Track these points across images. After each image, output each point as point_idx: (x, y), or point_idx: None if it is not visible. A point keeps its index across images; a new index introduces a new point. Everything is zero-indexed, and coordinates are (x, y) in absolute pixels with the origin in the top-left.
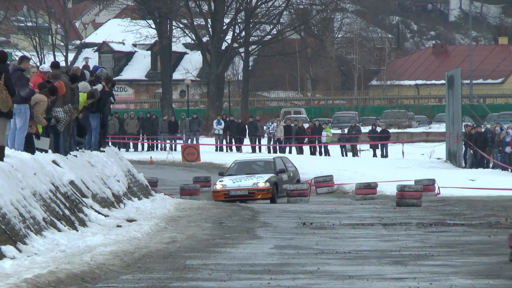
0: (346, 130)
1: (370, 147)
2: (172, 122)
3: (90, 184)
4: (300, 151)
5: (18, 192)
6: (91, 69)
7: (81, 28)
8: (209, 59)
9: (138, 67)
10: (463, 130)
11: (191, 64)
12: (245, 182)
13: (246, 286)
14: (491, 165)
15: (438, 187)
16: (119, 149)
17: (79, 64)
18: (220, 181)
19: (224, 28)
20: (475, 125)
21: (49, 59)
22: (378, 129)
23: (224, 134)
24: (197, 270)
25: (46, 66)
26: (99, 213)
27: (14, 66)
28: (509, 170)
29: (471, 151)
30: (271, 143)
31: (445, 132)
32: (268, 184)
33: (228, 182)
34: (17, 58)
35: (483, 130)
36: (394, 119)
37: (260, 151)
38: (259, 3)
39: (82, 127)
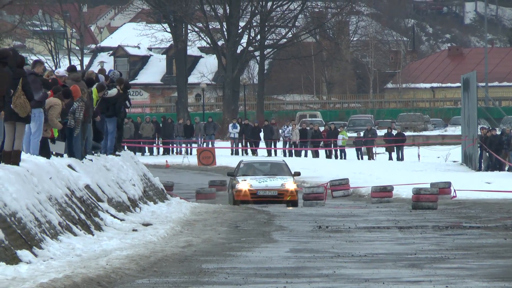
0: (361, 133)
1: (386, 150)
2: (188, 125)
3: (105, 188)
4: (315, 155)
5: (34, 197)
6: (106, 73)
7: (96, 32)
8: (224, 63)
9: (154, 71)
10: (479, 133)
11: (207, 68)
12: (272, 182)
13: None
14: (506, 168)
15: (454, 190)
16: (135, 153)
17: (95, 68)
18: (243, 180)
19: (239, 31)
20: (490, 128)
21: (64, 63)
22: (394, 132)
23: (239, 137)
24: (213, 274)
25: (61, 70)
26: (114, 217)
27: (27, 70)
28: None
29: (487, 154)
30: (287, 146)
31: (461, 135)
32: (295, 186)
33: (253, 182)
34: (31, 62)
35: (498, 132)
36: (409, 122)
37: (276, 154)
38: (274, 6)
39: (99, 132)
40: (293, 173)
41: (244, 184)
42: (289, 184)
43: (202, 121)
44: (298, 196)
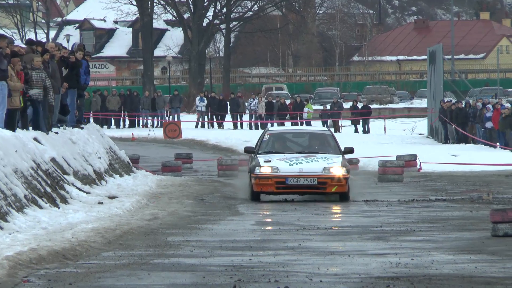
0: (327, 106)
1: (352, 123)
2: (154, 99)
3: (71, 161)
4: None
5: None
6: (70, 46)
7: (62, 6)
8: (190, 36)
9: (120, 44)
10: (440, 106)
11: (173, 41)
12: (310, 165)
13: (227, 263)
14: (471, 141)
15: (420, 163)
16: (101, 126)
17: (61, 41)
18: (265, 161)
19: (205, 4)
20: (453, 101)
21: (30, 36)
22: (360, 105)
23: (206, 111)
24: (178, 247)
25: (19, 43)
26: (80, 190)
27: None
28: (497, 146)
29: (453, 127)
30: (253, 119)
31: (427, 107)
32: (345, 170)
33: (281, 164)
34: None
35: (463, 105)
36: (375, 95)
37: (241, 127)
38: None
39: (64, 105)
40: (343, 149)
41: (267, 167)
42: (336, 168)
43: (168, 94)
44: (348, 184)
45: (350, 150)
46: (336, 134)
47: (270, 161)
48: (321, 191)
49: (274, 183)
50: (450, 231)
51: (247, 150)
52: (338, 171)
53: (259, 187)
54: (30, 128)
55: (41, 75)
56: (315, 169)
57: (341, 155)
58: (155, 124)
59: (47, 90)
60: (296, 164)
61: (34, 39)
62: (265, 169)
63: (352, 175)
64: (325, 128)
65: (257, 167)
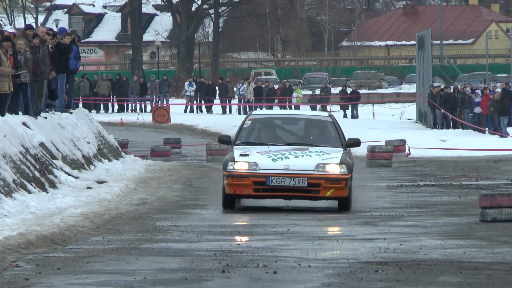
0: (316, 91)
1: (341, 108)
2: (142, 83)
3: (60, 146)
4: None
5: None
6: (58, 31)
7: None
8: (179, 21)
9: (108, 29)
10: (429, 92)
11: (161, 26)
12: (299, 160)
13: (216, 248)
14: (460, 126)
15: (409, 148)
16: (90, 111)
17: (50, 26)
18: (242, 154)
19: None
20: (441, 86)
21: (19, 21)
22: (349, 90)
23: (195, 95)
24: (167, 232)
25: (9, 28)
26: (69, 174)
27: None
28: (486, 131)
29: (442, 111)
30: (242, 103)
31: (416, 93)
32: (344, 168)
33: (261, 159)
34: None
35: (452, 91)
36: (364, 80)
37: (230, 112)
38: None
39: (53, 90)
40: (346, 140)
41: (243, 162)
42: (333, 165)
43: (157, 79)
44: (349, 187)
45: (355, 143)
46: None
47: (247, 154)
48: (313, 195)
49: (251, 183)
50: (439, 216)
51: (222, 139)
52: (335, 169)
53: (232, 188)
54: (20, 113)
55: (25, 58)
56: (305, 166)
57: (342, 149)
58: (144, 109)
59: (36, 74)
60: (282, 159)
61: (27, 25)
62: (240, 165)
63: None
64: (325, 113)
65: (230, 163)
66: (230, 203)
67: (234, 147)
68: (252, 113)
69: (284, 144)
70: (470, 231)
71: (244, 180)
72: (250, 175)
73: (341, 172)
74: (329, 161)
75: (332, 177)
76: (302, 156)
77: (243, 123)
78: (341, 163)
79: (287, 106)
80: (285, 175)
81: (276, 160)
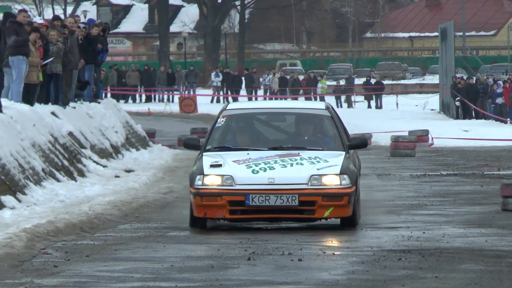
0: (341, 82)
1: (365, 99)
2: (170, 74)
3: (88, 135)
4: None
5: (18, 143)
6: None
7: None
8: (205, 12)
9: (136, 20)
10: (451, 82)
11: (188, 17)
12: (287, 171)
13: (242, 236)
14: (481, 116)
15: (432, 138)
16: (118, 101)
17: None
18: (213, 165)
19: None
20: (463, 77)
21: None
22: (373, 80)
23: (221, 86)
24: None
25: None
26: (97, 163)
27: (11, 19)
28: (508, 121)
29: (460, 102)
30: (267, 94)
31: (439, 83)
32: (346, 179)
33: (238, 170)
34: (16, 12)
35: (474, 81)
36: (388, 71)
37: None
38: None
39: (82, 81)
40: (349, 141)
41: (214, 176)
42: (332, 176)
43: (184, 70)
44: (353, 203)
45: (360, 143)
46: (349, 110)
47: (220, 165)
48: (306, 216)
49: (226, 203)
50: (461, 205)
51: (188, 143)
52: (334, 181)
53: (201, 210)
54: (49, 103)
55: (58, 48)
56: (295, 179)
57: (344, 152)
58: (171, 99)
59: (65, 65)
60: (265, 170)
61: (54, 15)
62: (211, 180)
63: (364, 150)
64: (322, 104)
65: (198, 177)
66: (199, 226)
67: (203, 154)
68: (227, 107)
69: (268, 148)
70: (492, 219)
71: (216, 199)
72: (224, 192)
73: (342, 185)
74: (326, 170)
75: (331, 192)
76: (291, 165)
77: (216, 120)
78: (342, 173)
79: (312, 97)
80: (269, 191)
81: (258, 171)
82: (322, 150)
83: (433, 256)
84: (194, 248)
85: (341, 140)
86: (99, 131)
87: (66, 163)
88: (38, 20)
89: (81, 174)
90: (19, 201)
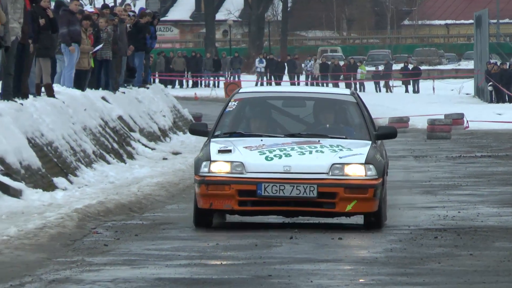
0: (379, 67)
1: (403, 84)
2: (216, 60)
3: (137, 119)
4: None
5: (69, 127)
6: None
7: None
8: (250, 1)
9: (183, 9)
10: (486, 68)
11: (233, 5)
12: (305, 159)
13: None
14: None
15: (467, 121)
16: (166, 86)
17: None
18: (221, 150)
19: None
20: (497, 63)
21: (98, 1)
22: (410, 66)
23: (264, 71)
24: None
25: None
26: (146, 146)
27: (64, 7)
28: None
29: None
30: (309, 79)
31: (473, 69)
32: (372, 170)
33: (249, 156)
34: (68, 0)
35: (508, 67)
36: (425, 57)
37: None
38: None
39: (132, 67)
40: (376, 130)
41: (223, 163)
42: (355, 165)
43: (229, 56)
44: (379, 197)
45: (389, 133)
46: (387, 94)
47: (230, 151)
48: (325, 209)
49: (235, 193)
50: (495, 186)
51: (195, 129)
52: (358, 171)
53: (207, 200)
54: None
55: (107, 34)
56: (314, 167)
57: (370, 142)
58: (217, 84)
59: (114, 51)
60: (280, 157)
61: (104, 4)
62: (219, 166)
63: (400, 133)
64: (346, 90)
65: (204, 163)
66: (203, 220)
67: (211, 140)
68: (240, 91)
69: (284, 135)
70: None
71: (224, 188)
72: (233, 180)
73: (367, 175)
74: (350, 159)
75: (355, 183)
76: (310, 152)
77: (226, 104)
78: (367, 162)
79: (351, 82)
80: (285, 180)
81: (272, 158)
82: (346, 138)
83: (468, 234)
84: (238, 227)
85: (367, 129)
86: (148, 115)
87: (116, 146)
88: (89, 8)
89: (130, 156)
90: (71, 182)
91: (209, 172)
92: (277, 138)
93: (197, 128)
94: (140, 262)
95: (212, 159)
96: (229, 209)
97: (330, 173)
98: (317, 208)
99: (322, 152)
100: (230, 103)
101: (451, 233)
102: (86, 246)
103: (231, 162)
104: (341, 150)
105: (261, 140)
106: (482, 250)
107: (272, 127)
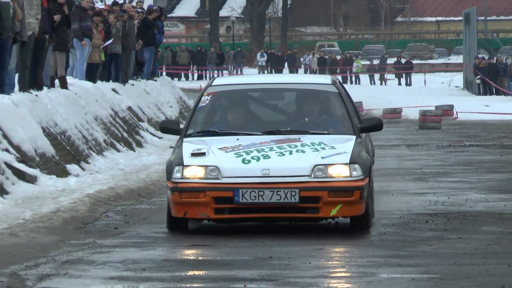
0: (374, 61)
1: (396, 77)
2: (219, 54)
3: (146, 109)
4: None
5: (82, 117)
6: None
7: None
8: None
9: (189, 5)
10: (474, 62)
11: (236, 3)
12: (285, 160)
13: None
14: (501, 93)
15: (456, 112)
16: (172, 79)
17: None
18: (194, 153)
19: None
20: (485, 57)
21: None
22: (403, 60)
23: (266, 65)
24: None
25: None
26: (154, 135)
27: (76, 4)
28: None
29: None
30: (308, 73)
31: (462, 63)
32: (358, 170)
33: (225, 159)
34: None
35: (495, 61)
36: (417, 52)
37: None
38: None
39: (140, 61)
40: (360, 122)
41: (196, 167)
42: (339, 166)
43: (232, 50)
44: (365, 199)
45: (375, 125)
46: (381, 87)
47: (204, 154)
48: (309, 215)
49: (210, 200)
50: (483, 173)
51: (166, 127)
52: (342, 172)
53: (181, 208)
54: (110, 81)
55: (117, 30)
56: (295, 170)
57: (354, 136)
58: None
59: (124, 46)
60: (258, 159)
61: (114, 1)
62: (192, 171)
63: (394, 123)
64: (327, 78)
65: (177, 168)
66: (179, 227)
67: (184, 140)
68: (213, 83)
69: (262, 132)
70: (511, 186)
71: (198, 195)
72: (209, 187)
73: (352, 176)
74: (333, 159)
75: (339, 185)
76: (291, 152)
77: (199, 99)
78: (352, 162)
79: (348, 76)
80: (264, 185)
81: (250, 161)
82: (328, 134)
83: (457, 219)
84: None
85: (351, 122)
86: (155, 106)
87: (125, 135)
88: (99, 5)
89: (139, 144)
90: (83, 169)
91: (182, 178)
92: (255, 137)
93: (168, 126)
94: (148, 244)
95: (185, 163)
96: (204, 217)
97: (312, 175)
98: (299, 214)
99: (303, 152)
100: (202, 97)
101: (441, 218)
102: (97, 229)
103: (205, 166)
104: (323, 148)
105: (237, 139)
106: (470, 234)
107: (248, 124)
